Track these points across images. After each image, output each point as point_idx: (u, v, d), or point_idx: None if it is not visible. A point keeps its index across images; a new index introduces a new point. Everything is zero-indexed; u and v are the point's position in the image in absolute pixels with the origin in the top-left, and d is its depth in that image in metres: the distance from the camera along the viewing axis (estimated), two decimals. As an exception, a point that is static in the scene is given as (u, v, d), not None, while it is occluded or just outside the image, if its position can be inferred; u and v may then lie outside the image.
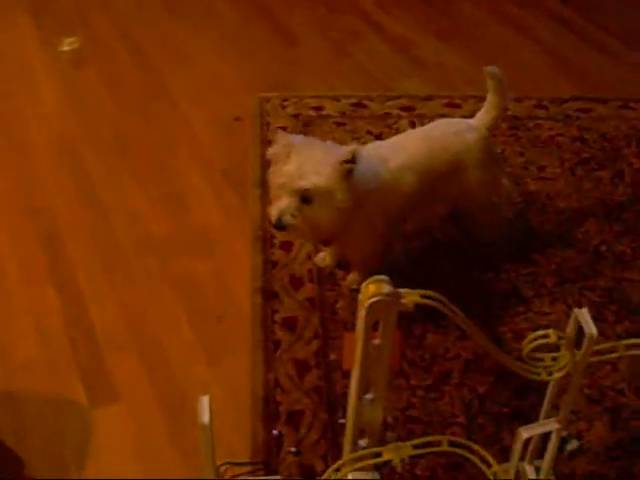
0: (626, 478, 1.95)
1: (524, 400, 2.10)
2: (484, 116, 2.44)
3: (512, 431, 1.69)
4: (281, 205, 2.06)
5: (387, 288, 1.42)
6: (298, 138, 2.15)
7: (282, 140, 2.11)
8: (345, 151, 2.05)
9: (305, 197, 2.05)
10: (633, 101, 3.39)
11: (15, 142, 3.10)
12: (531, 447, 1.80)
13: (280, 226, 2.08)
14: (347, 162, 2.04)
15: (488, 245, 2.59)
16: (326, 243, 2.28)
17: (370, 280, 1.45)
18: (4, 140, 3.12)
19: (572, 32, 3.96)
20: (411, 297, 1.44)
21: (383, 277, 1.45)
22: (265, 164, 2.83)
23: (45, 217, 2.73)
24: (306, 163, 2.05)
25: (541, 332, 1.51)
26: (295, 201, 2.05)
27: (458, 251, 2.59)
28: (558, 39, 3.90)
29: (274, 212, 2.08)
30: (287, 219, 2.06)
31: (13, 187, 2.87)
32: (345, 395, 1.64)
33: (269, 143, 2.95)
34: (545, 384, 1.74)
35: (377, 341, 1.50)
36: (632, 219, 2.73)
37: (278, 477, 1.52)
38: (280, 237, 2.56)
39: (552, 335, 1.50)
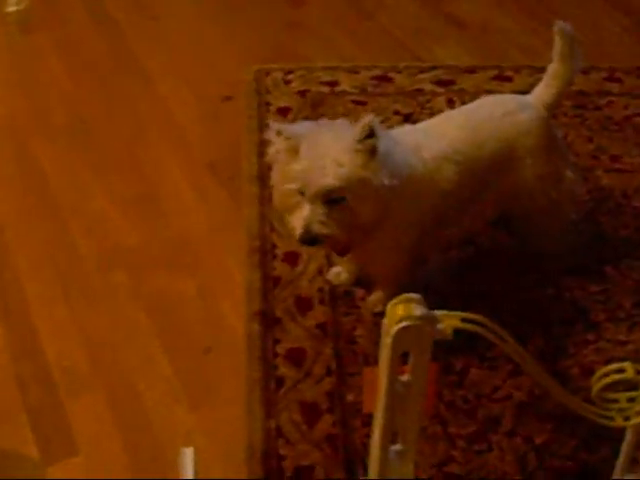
0: None
1: (594, 452, 2.11)
2: (544, 91, 2.45)
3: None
4: (304, 214, 2.03)
5: (419, 310, 1.44)
6: (302, 126, 2.13)
7: (283, 133, 2.07)
8: (360, 126, 2.02)
9: (331, 198, 2.03)
10: None
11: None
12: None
13: (310, 240, 2.05)
14: (367, 138, 2.03)
15: (548, 256, 2.61)
16: (342, 252, 2.27)
17: (397, 299, 1.46)
18: None
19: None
20: (449, 321, 1.45)
21: (414, 296, 1.46)
22: (262, 153, 2.87)
23: (-16, 222, 2.76)
24: (320, 156, 2.03)
25: (615, 366, 1.52)
26: (320, 205, 2.03)
27: (509, 264, 2.61)
28: (635, -4, 3.94)
29: (297, 224, 2.04)
30: (317, 228, 2.02)
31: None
32: (366, 447, 1.65)
33: (269, 128, 2.99)
34: (621, 432, 1.75)
35: (406, 377, 1.51)
36: None
37: None
38: (302, 251, 2.53)
39: (629, 369, 1.51)
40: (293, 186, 2.04)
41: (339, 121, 2.16)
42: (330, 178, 1.99)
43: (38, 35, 3.61)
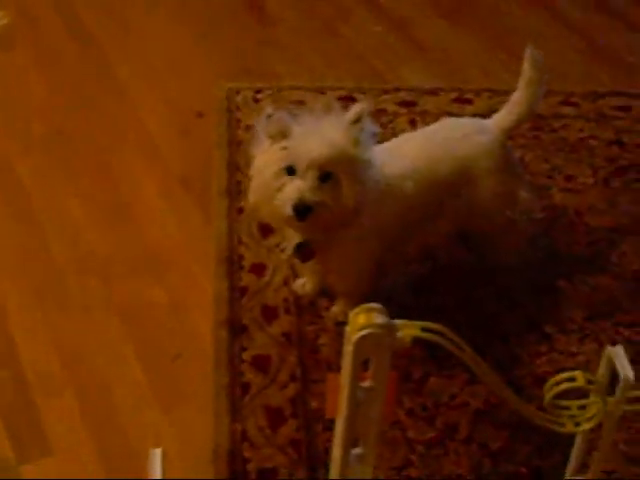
0: None
1: (547, 458, 2.12)
2: (504, 117, 2.47)
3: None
4: (299, 185, 2.04)
5: (380, 319, 1.45)
6: (285, 113, 2.12)
7: (274, 116, 2.08)
8: (352, 111, 2.08)
9: (324, 173, 2.05)
10: (682, 98, 3.45)
11: None
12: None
13: (304, 208, 2.03)
14: (356, 122, 2.07)
15: (504, 270, 2.62)
16: (305, 258, 2.28)
17: (359, 309, 1.47)
18: None
19: (609, 13, 4.02)
20: (409, 330, 1.46)
21: (375, 305, 1.47)
22: (232, 169, 2.88)
23: (-37, 231, 2.75)
24: (313, 134, 2.06)
25: (566, 374, 1.54)
26: (314, 177, 2.04)
27: (467, 277, 2.63)
28: (592, 21, 3.96)
29: (293, 194, 2.04)
30: (310, 196, 2.03)
31: None
32: (328, 450, 1.66)
33: (238, 145, 3.03)
34: (571, 438, 1.77)
35: (367, 383, 1.52)
36: (679, 240, 2.78)
37: None
38: (296, 228, 2.39)
39: (579, 378, 1.53)
40: (283, 164, 2.05)
41: (326, 109, 2.17)
42: (324, 150, 2.02)
43: (18, 51, 3.61)
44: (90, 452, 2.15)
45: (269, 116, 2.09)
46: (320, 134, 2.05)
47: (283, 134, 2.07)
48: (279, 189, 2.08)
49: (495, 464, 2.13)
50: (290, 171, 2.06)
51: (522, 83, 2.44)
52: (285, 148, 2.06)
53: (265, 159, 2.12)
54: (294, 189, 2.04)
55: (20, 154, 3.04)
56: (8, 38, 3.70)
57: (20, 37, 3.70)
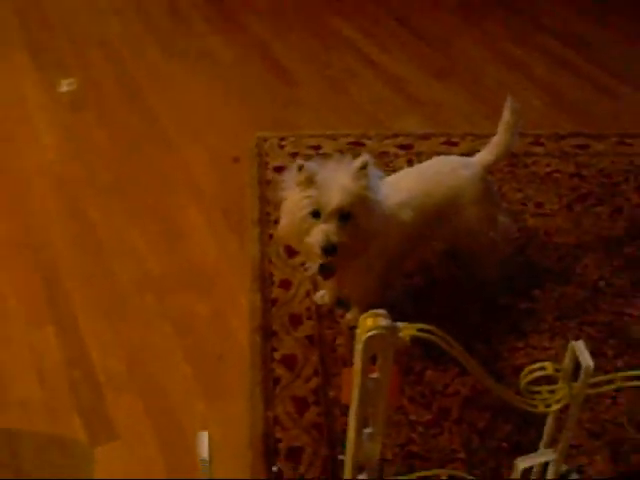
0: (627, 512, 1.97)
1: (524, 435, 2.12)
2: (485, 156, 2.48)
3: (512, 466, 1.70)
4: (324, 229, 2.07)
5: (384, 322, 1.45)
6: (313, 163, 2.14)
7: (304, 167, 2.09)
8: (358, 160, 2.10)
9: (343, 215, 2.08)
10: (630, 137, 3.45)
11: (16, 184, 3.14)
12: (531, 481, 1.83)
13: (331, 248, 2.07)
14: (362, 169, 2.10)
15: (487, 282, 2.62)
16: (327, 276, 2.29)
17: (367, 314, 1.48)
18: (5, 183, 3.15)
19: (568, 69, 4.03)
20: (408, 331, 1.46)
21: (380, 311, 1.48)
22: (263, 203, 2.89)
23: (45, 257, 2.76)
24: (332, 183, 2.08)
25: (538, 365, 1.54)
26: (334, 221, 2.07)
27: (457, 288, 2.62)
28: (554, 76, 3.96)
29: (321, 237, 2.07)
30: (335, 238, 2.06)
31: (14, 228, 2.90)
32: (345, 432, 1.66)
33: (267, 183, 3.04)
34: (544, 418, 1.76)
35: (375, 375, 1.53)
36: (631, 254, 2.77)
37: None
38: (320, 262, 2.35)
39: (549, 367, 1.53)
40: (310, 209, 2.08)
41: (336, 156, 2.19)
42: (342, 198, 2.05)
43: (85, 111, 3.63)
44: (150, 436, 2.16)
45: (300, 167, 2.09)
46: (338, 183, 2.08)
47: (309, 182, 2.09)
48: (307, 230, 2.11)
49: (482, 440, 2.13)
50: (315, 214, 2.09)
51: (501, 128, 2.45)
52: (310, 196, 2.08)
53: (294, 203, 2.13)
54: (321, 233, 2.08)
55: (89, 196, 3.06)
56: (77, 101, 3.72)
57: (86, 100, 3.72)
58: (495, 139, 2.48)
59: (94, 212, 2.97)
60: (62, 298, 2.60)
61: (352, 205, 2.08)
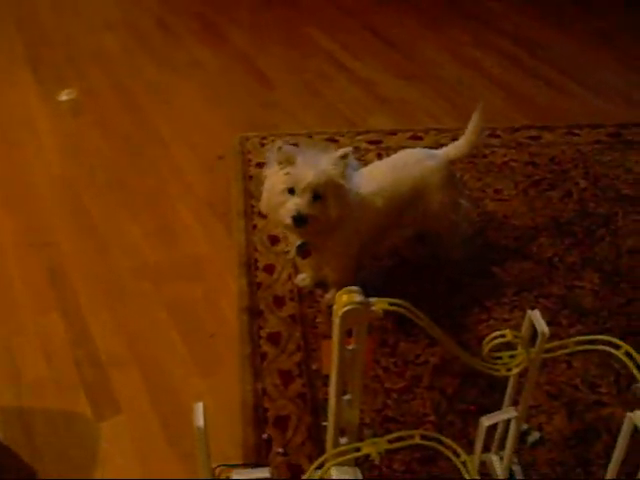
0: (583, 463, 1.97)
1: (488, 398, 2.12)
2: (451, 150, 2.50)
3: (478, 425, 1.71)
4: (297, 201, 2.09)
5: (358, 297, 1.45)
6: (291, 146, 2.16)
7: (283, 147, 2.12)
8: (340, 151, 2.12)
9: (316, 193, 2.09)
10: (577, 128, 3.46)
11: (22, 185, 3.12)
12: (496, 439, 1.83)
13: (300, 218, 2.09)
14: (343, 158, 2.11)
15: (451, 261, 2.62)
16: (304, 255, 2.30)
17: (343, 291, 1.48)
18: (12, 184, 3.13)
19: (522, 69, 4.04)
20: (380, 305, 1.46)
21: (354, 288, 1.48)
22: (247, 196, 2.88)
23: (50, 251, 2.74)
24: (312, 164, 2.09)
25: (498, 332, 1.54)
26: (309, 197, 2.09)
27: (424, 268, 2.62)
28: (509, 75, 3.97)
29: (292, 208, 2.09)
30: (305, 210, 2.08)
31: (21, 226, 2.88)
32: (327, 400, 1.65)
33: (250, 178, 3.02)
34: (505, 381, 1.76)
35: (351, 346, 1.53)
36: (580, 233, 2.77)
37: (267, 469, 1.52)
38: (291, 236, 2.34)
39: (508, 334, 1.53)
40: (286, 185, 2.10)
41: (326, 146, 2.21)
42: (317, 177, 2.07)
43: (84, 117, 3.61)
44: (150, 409, 2.16)
45: (279, 147, 2.12)
46: (316, 165, 2.09)
47: (289, 162, 2.11)
48: (282, 204, 2.12)
49: (451, 404, 2.14)
50: (291, 191, 2.10)
51: (469, 129, 2.48)
52: (288, 173, 2.10)
53: (273, 180, 2.15)
54: (293, 205, 2.09)
55: (89, 194, 3.04)
56: (76, 108, 3.70)
57: (85, 107, 3.70)
58: (462, 138, 2.50)
59: (94, 208, 2.96)
60: (66, 287, 2.59)
61: (325, 186, 2.10)
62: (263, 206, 2.23)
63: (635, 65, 4.10)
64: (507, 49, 4.26)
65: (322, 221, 2.13)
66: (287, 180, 2.10)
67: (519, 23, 4.61)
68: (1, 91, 3.87)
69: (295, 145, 2.18)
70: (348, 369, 1.56)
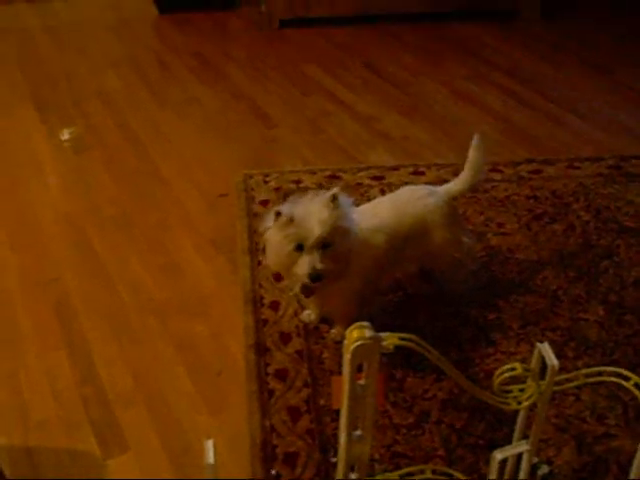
0: (593, 497, 1.97)
1: (498, 432, 2.13)
2: (452, 187, 2.51)
3: (489, 460, 1.70)
4: (309, 259, 2.09)
5: (369, 333, 1.46)
6: (288, 205, 2.16)
7: (282, 211, 2.10)
8: (327, 194, 2.11)
9: (324, 244, 2.10)
10: (578, 160, 3.48)
11: (27, 223, 3.13)
12: (507, 472, 1.83)
13: (317, 276, 2.10)
14: (333, 200, 2.11)
15: (456, 296, 2.63)
16: (308, 294, 2.30)
17: (354, 326, 1.48)
18: (17, 222, 3.14)
19: (520, 102, 4.06)
20: (391, 340, 1.47)
21: (365, 323, 1.48)
22: (251, 233, 2.89)
23: (56, 287, 2.75)
24: (309, 218, 2.09)
25: (509, 366, 1.54)
26: (316, 252, 2.09)
27: (430, 303, 2.62)
28: (509, 110, 3.99)
29: (306, 268, 2.09)
30: (320, 267, 2.09)
31: (27, 262, 2.89)
32: (335, 436, 1.66)
33: (254, 215, 3.03)
34: (515, 418, 1.77)
35: (362, 381, 1.53)
36: (584, 266, 2.78)
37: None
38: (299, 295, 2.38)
39: (519, 368, 1.53)
40: (294, 243, 2.10)
41: (309, 195, 2.19)
42: (321, 230, 2.07)
43: (88, 154, 3.64)
44: (158, 448, 2.15)
45: (277, 213, 2.11)
46: (315, 216, 2.10)
47: (289, 221, 2.10)
48: (294, 263, 2.13)
49: (460, 438, 2.13)
50: (298, 247, 2.11)
51: (467, 165, 2.49)
52: (292, 234, 2.10)
53: (278, 242, 2.14)
54: (306, 264, 2.10)
55: (94, 229, 3.06)
56: (79, 145, 3.73)
57: (89, 144, 3.72)
58: (462, 174, 2.51)
59: (99, 245, 2.97)
60: (72, 324, 2.59)
61: (331, 234, 2.10)
62: (271, 264, 2.25)
63: (632, 96, 4.13)
64: (506, 83, 4.29)
65: (336, 271, 2.14)
66: (293, 238, 2.11)
67: (515, 58, 4.64)
68: (5, 130, 3.90)
69: (288, 202, 2.17)
70: (359, 404, 1.56)
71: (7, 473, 2.01)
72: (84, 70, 4.61)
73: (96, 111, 4.07)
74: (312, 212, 2.11)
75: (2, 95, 4.28)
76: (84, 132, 3.86)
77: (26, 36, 5.13)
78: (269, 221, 2.16)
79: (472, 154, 2.47)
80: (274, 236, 2.15)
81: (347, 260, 2.17)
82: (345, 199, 2.17)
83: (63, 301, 2.69)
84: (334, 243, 2.12)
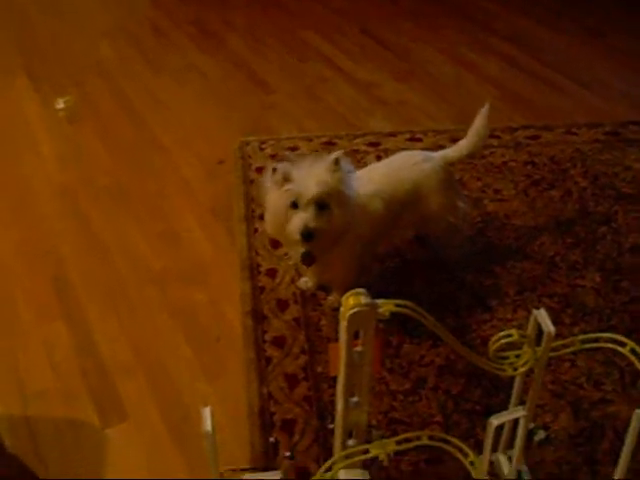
0: (590, 462, 1.98)
1: (494, 398, 2.14)
2: (451, 152, 2.51)
3: (485, 426, 1.71)
4: (303, 216, 2.08)
5: (365, 299, 1.46)
6: (285, 164, 2.14)
7: (278, 167, 2.10)
8: (330, 157, 2.10)
9: (321, 204, 2.08)
10: (575, 127, 3.47)
11: (22, 194, 3.13)
12: (503, 439, 1.84)
13: (308, 234, 2.08)
14: (336, 163, 2.10)
15: (453, 262, 2.63)
16: (309, 263, 2.30)
17: (349, 293, 1.48)
18: (12, 193, 3.14)
19: (519, 68, 4.04)
20: (387, 306, 1.47)
21: (361, 290, 1.48)
22: (248, 200, 2.89)
23: (53, 259, 2.75)
24: (309, 176, 2.08)
25: (505, 332, 1.54)
26: (314, 209, 2.08)
27: (427, 269, 2.63)
28: (506, 75, 3.97)
29: (299, 224, 2.08)
30: (313, 225, 2.07)
31: (23, 235, 2.89)
32: (332, 403, 1.67)
33: (251, 182, 3.02)
34: (512, 384, 1.77)
35: (359, 348, 1.53)
36: (581, 232, 2.78)
37: (278, 472, 1.53)
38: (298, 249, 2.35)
39: (515, 334, 1.54)
40: (289, 201, 2.08)
41: (316, 155, 2.18)
42: (319, 188, 2.06)
43: (83, 124, 3.62)
44: (156, 416, 2.17)
45: (274, 169, 2.11)
46: (314, 176, 2.08)
47: (286, 179, 2.10)
48: (288, 221, 2.11)
49: (456, 405, 2.15)
50: (294, 206, 2.09)
51: (471, 132, 2.49)
52: (289, 190, 2.09)
53: (275, 199, 2.13)
54: (299, 220, 2.08)
55: (89, 200, 3.05)
56: (74, 115, 3.71)
57: (83, 114, 3.70)
58: (464, 140, 2.50)
59: (95, 215, 2.97)
60: (70, 295, 2.59)
61: (328, 195, 2.09)
62: (268, 227, 2.23)
63: (630, 63, 4.11)
64: (504, 49, 4.26)
65: (329, 232, 2.12)
66: (289, 196, 2.09)
67: (513, 23, 4.61)
68: (-1, 100, 3.88)
69: (287, 161, 2.16)
70: (356, 371, 1.57)
71: (6, 440, 2.03)
72: (77, 39, 4.58)
73: (91, 80, 4.04)
74: (312, 172, 2.10)
75: (-5, 64, 4.26)
76: (78, 101, 3.84)
77: (16, 5, 5.10)
78: (267, 180, 2.16)
79: (477, 122, 2.47)
80: (271, 194, 2.15)
81: (343, 226, 2.16)
82: (347, 165, 2.16)
83: (60, 273, 2.69)
84: (331, 205, 2.10)
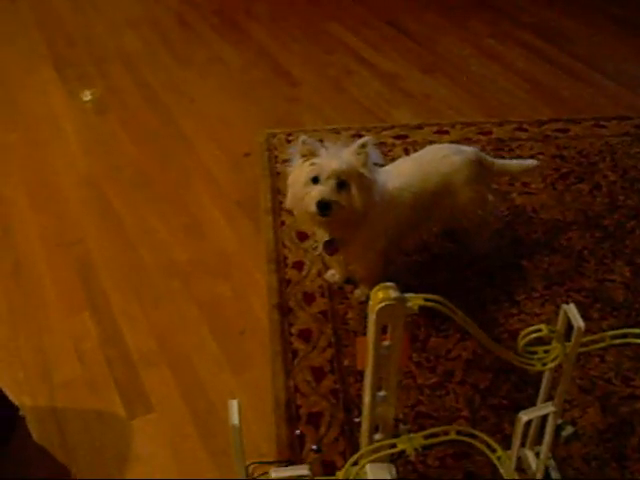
0: (618, 457, 1.97)
1: (522, 393, 2.13)
2: (486, 156, 2.53)
3: (512, 421, 1.70)
4: (320, 189, 2.08)
5: (394, 293, 1.45)
6: (314, 140, 2.16)
7: (306, 141, 2.12)
8: (359, 141, 2.12)
9: (340, 181, 2.08)
10: (604, 119, 3.44)
11: (47, 185, 3.14)
12: (531, 434, 1.83)
13: (325, 205, 2.07)
14: (362, 147, 2.11)
15: (481, 256, 2.62)
16: (331, 252, 2.31)
17: (379, 287, 1.48)
18: (39, 184, 3.15)
19: (546, 60, 4.01)
20: (416, 301, 1.46)
21: (390, 284, 1.48)
22: (274, 193, 2.89)
23: (79, 250, 2.77)
24: (334, 154, 2.10)
25: (534, 327, 1.53)
26: (333, 184, 2.08)
27: (454, 263, 2.62)
28: (534, 67, 3.95)
29: (316, 195, 2.08)
30: (330, 197, 2.07)
31: (49, 225, 2.90)
32: (359, 396, 1.67)
33: (277, 174, 3.02)
34: (540, 379, 1.76)
35: (387, 342, 1.53)
36: (610, 226, 2.76)
37: (306, 466, 1.53)
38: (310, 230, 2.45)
39: (544, 329, 1.52)
40: (310, 175, 2.09)
41: (347, 140, 2.19)
42: (340, 165, 2.07)
43: (108, 115, 3.63)
44: (181, 407, 2.18)
45: (303, 141, 2.12)
46: (338, 155, 2.10)
47: (312, 153, 2.12)
48: (307, 194, 2.12)
49: (483, 399, 2.14)
50: (315, 180, 2.10)
51: (519, 165, 2.65)
52: (313, 164, 2.10)
53: (297, 173, 2.15)
54: (317, 192, 2.08)
55: (115, 191, 3.06)
56: (100, 106, 3.72)
57: (109, 105, 3.71)
58: (510, 163, 2.65)
59: (121, 207, 2.97)
60: (96, 286, 2.61)
61: (349, 174, 2.09)
62: (288, 201, 2.23)
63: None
64: (529, 41, 4.23)
65: (347, 210, 2.11)
66: (311, 170, 2.10)
67: (540, 14, 4.58)
68: (25, 91, 3.89)
69: (319, 140, 2.17)
70: (383, 365, 1.56)
71: (33, 432, 2.04)
72: (103, 30, 4.58)
73: (116, 71, 4.05)
74: (338, 151, 2.12)
75: (21, 55, 4.27)
76: (104, 93, 3.85)
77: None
78: (295, 149, 2.18)
79: (522, 166, 2.64)
80: (295, 166, 2.18)
81: (362, 211, 2.14)
82: (374, 151, 2.16)
83: (85, 263, 2.71)
84: (350, 185, 2.10)
